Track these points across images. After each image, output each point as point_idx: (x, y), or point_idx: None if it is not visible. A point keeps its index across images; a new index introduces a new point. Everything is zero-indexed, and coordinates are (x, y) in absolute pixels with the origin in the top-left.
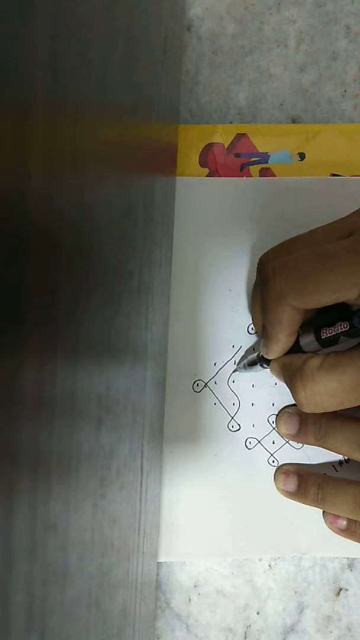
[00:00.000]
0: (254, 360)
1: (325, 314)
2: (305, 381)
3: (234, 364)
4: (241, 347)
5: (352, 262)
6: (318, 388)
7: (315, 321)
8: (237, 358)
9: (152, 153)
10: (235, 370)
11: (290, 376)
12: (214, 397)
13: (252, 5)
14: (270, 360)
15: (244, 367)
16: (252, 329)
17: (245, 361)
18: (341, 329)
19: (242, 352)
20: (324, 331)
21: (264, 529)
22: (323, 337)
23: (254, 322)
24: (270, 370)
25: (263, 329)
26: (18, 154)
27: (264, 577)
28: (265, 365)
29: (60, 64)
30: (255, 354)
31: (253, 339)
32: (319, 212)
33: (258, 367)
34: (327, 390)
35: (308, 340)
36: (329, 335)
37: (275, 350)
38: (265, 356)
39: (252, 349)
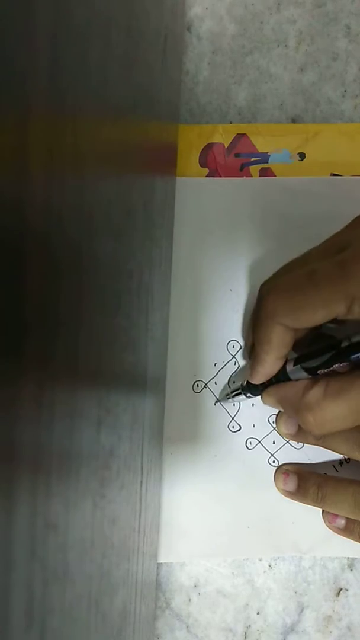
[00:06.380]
0: (238, 389)
1: (313, 345)
2: (314, 411)
3: (217, 396)
4: (241, 347)
5: (339, 277)
6: (327, 415)
7: (301, 352)
8: (238, 358)
9: (152, 153)
10: (217, 402)
11: (294, 407)
12: (214, 398)
13: (252, 5)
14: (257, 390)
15: (227, 397)
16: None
17: (229, 390)
18: (338, 367)
19: (242, 353)
20: (322, 372)
21: (264, 529)
22: (319, 373)
23: (245, 345)
24: (264, 401)
25: (252, 350)
26: (18, 154)
27: (264, 577)
28: (250, 395)
29: (60, 64)
30: (239, 384)
31: None
32: (319, 212)
33: (242, 397)
34: (337, 416)
35: (295, 371)
36: (326, 372)
37: (260, 373)
38: (249, 380)
39: (232, 380)
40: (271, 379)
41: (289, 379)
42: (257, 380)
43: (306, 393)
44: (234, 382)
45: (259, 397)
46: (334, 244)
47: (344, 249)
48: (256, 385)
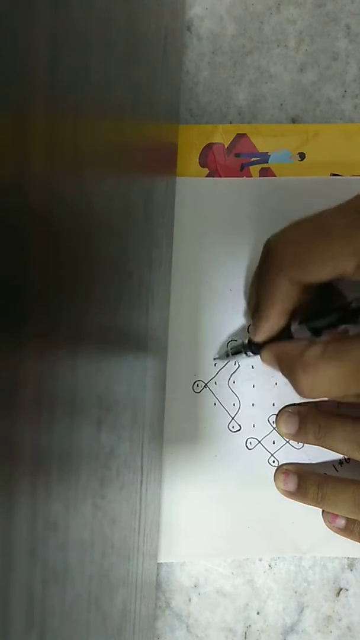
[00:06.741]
0: (238, 347)
1: (320, 305)
2: (308, 370)
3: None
4: None
5: (350, 233)
6: (321, 377)
7: (306, 311)
8: (238, 358)
9: (152, 153)
10: (217, 358)
11: (290, 365)
12: (214, 398)
13: (252, 5)
14: (257, 349)
15: (227, 354)
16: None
17: (228, 348)
18: (344, 329)
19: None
20: (326, 333)
21: (264, 529)
22: (323, 335)
23: (247, 303)
24: (262, 358)
25: (255, 309)
26: (18, 154)
27: (264, 577)
28: (250, 354)
29: (60, 64)
30: (240, 342)
31: None
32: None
33: (242, 355)
34: (331, 378)
35: (300, 330)
36: (331, 336)
37: (264, 329)
38: (252, 337)
39: (235, 339)
40: (273, 338)
41: (292, 339)
42: (260, 336)
43: (304, 352)
44: (234, 341)
45: (259, 400)
46: (346, 207)
47: (356, 212)
48: (257, 343)
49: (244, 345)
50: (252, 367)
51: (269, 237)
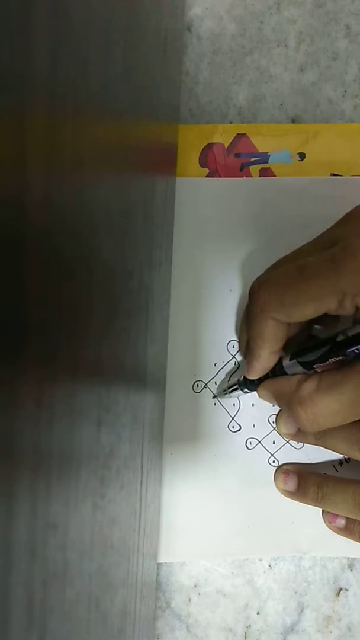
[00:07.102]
0: (234, 384)
1: (309, 339)
2: (304, 406)
3: (214, 392)
4: None
5: (330, 271)
6: (318, 410)
7: (296, 345)
8: (238, 358)
9: (152, 153)
10: (214, 397)
11: (287, 402)
12: (214, 398)
13: (252, 5)
14: (253, 385)
15: (224, 392)
16: None
17: (226, 386)
18: (334, 361)
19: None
20: (318, 366)
21: (264, 529)
22: (315, 368)
23: (239, 342)
24: (259, 395)
25: (247, 346)
26: (17, 154)
27: (264, 577)
28: (247, 390)
29: (60, 64)
30: (237, 379)
31: None
32: (319, 212)
33: (239, 392)
34: (328, 411)
35: (291, 366)
36: (323, 368)
37: (256, 368)
38: (246, 375)
39: (230, 376)
40: (267, 373)
41: (286, 374)
42: (254, 375)
43: (299, 387)
44: (230, 378)
45: (259, 400)
46: (324, 240)
47: (334, 244)
48: (253, 380)
49: (240, 383)
50: None
51: (255, 280)
